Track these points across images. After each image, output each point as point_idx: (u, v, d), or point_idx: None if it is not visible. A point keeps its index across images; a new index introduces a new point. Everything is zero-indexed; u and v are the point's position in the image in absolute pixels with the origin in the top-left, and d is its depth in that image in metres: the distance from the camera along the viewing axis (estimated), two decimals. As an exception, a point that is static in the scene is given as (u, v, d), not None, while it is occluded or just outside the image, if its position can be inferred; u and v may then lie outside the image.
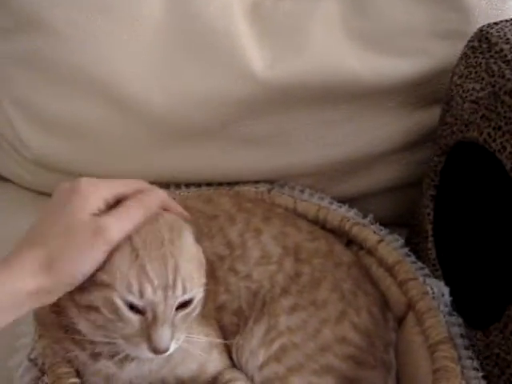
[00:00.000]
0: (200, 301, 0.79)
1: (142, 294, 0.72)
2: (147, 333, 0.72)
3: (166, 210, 0.80)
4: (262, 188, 1.15)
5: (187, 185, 1.17)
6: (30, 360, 0.84)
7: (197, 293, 0.78)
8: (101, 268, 0.72)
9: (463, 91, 0.95)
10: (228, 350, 0.89)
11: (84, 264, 0.70)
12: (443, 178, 1.01)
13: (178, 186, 1.17)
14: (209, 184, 1.17)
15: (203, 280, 0.80)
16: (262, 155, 1.16)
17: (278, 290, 0.91)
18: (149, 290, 0.72)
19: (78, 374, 0.81)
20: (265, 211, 1.02)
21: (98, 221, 0.71)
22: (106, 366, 0.79)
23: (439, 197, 1.03)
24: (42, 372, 0.83)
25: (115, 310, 0.73)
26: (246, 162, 1.16)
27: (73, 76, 1.10)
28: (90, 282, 0.73)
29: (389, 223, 1.09)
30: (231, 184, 1.17)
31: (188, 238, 0.79)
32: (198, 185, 1.16)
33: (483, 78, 0.90)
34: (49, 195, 1.24)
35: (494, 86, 0.87)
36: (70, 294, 0.74)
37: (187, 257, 0.76)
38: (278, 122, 1.13)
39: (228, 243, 0.94)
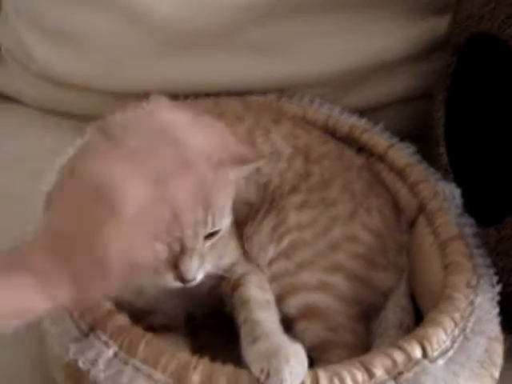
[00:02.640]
0: (229, 225, 0.76)
1: (169, 230, 0.68)
2: (173, 263, 0.71)
3: None
4: (271, 97, 1.13)
5: (196, 95, 1.15)
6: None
7: (226, 221, 0.75)
8: None
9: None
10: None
11: (109, 290, 0.67)
12: (455, 80, 0.99)
13: (186, 96, 1.14)
14: (217, 95, 1.14)
15: (230, 210, 0.76)
16: (270, 64, 1.13)
17: (287, 187, 0.90)
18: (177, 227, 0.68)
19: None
20: (274, 114, 1.00)
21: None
22: None
23: (451, 100, 1.01)
24: None
25: None
26: (253, 71, 1.13)
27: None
28: None
29: (400, 136, 1.06)
30: (239, 94, 1.14)
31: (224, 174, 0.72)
32: (207, 95, 1.14)
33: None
34: (56, 113, 1.27)
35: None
36: None
37: (219, 192, 0.71)
38: (285, 30, 1.10)
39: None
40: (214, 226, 0.72)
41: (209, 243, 0.73)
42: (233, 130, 0.75)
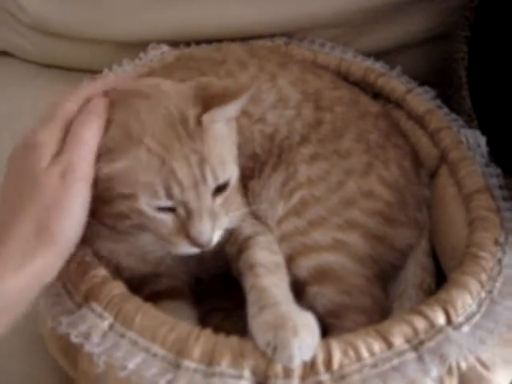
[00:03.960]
0: (237, 177, 0.72)
1: (169, 195, 0.65)
2: (185, 229, 0.66)
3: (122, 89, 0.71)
4: (279, 41, 1.05)
5: (198, 42, 1.07)
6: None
7: (232, 172, 0.70)
8: (118, 181, 0.65)
9: None
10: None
11: (72, 214, 0.63)
12: (478, 16, 0.92)
13: (187, 44, 1.07)
14: (220, 41, 1.06)
15: (235, 157, 0.72)
16: (278, 5, 1.05)
17: (296, 137, 0.83)
18: (176, 191, 0.65)
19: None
20: (281, 58, 0.93)
21: (59, 163, 0.63)
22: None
23: (474, 39, 0.93)
24: None
25: (144, 215, 0.66)
26: (259, 13, 1.06)
27: None
28: (112, 196, 0.66)
29: (418, 81, 0.99)
30: (244, 40, 1.06)
31: (209, 119, 0.67)
32: (209, 41, 1.06)
33: None
34: (51, 66, 1.22)
35: None
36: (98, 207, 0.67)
37: (213, 141, 0.67)
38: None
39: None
40: (216, 179, 0.67)
41: (219, 200, 0.68)
42: None
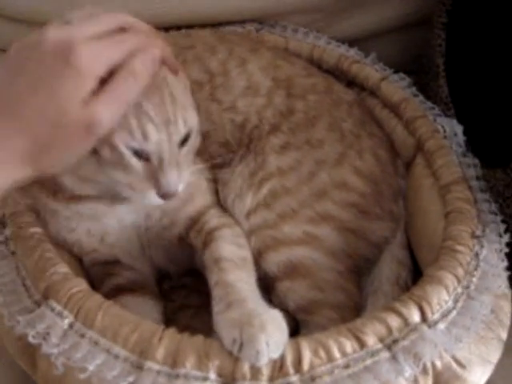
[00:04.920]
0: (197, 131, 0.71)
1: (145, 136, 0.64)
2: (154, 178, 0.66)
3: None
4: (250, 27, 1.02)
5: (166, 29, 1.03)
6: (-11, 212, 0.76)
7: (194, 123, 0.69)
8: None
9: None
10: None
11: (72, 157, 0.62)
12: (455, 2, 0.89)
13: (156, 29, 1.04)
14: (190, 27, 1.02)
15: (193, 103, 0.71)
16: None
17: (266, 126, 0.81)
18: (152, 130, 0.64)
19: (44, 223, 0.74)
20: (252, 44, 0.90)
21: (91, 113, 0.59)
22: (89, 207, 0.72)
23: (451, 25, 0.91)
24: (3, 224, 0.75)
25: (118, 156, 0.64)
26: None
27: None
28: None
29: (395, 69, 0.97)
30: (215, 26, 1.02)
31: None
32: (178, 28, 1.02)
33: None
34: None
35: None
36: None
37: (180, 88, 0.68)
38: None
39: (207, 70, 0.82)
40: (184, 120, 0.67)
41: (184, 150, 0.68)
42: None
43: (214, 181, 0.80)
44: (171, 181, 0.66)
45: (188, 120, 0.67)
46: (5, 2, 1.07)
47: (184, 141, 0.68)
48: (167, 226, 0.76)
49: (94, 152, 0.64)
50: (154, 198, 0.67)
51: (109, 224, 0.75)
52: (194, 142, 0.70)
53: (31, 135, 0.59)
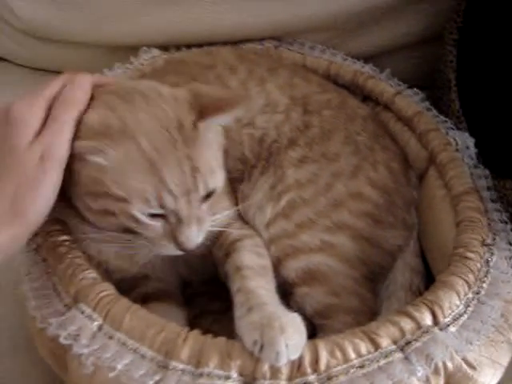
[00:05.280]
0: (223, 181, 0.72)
1: (162, 205, 0.66)
2: (173, 235, 0.68)
3: (99, 86, 0.71)
4: (269, 45, 1.06)
5: (188, 46, 1.07)
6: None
7: (219, 179, 0.71)
8: (111, 179, 0.65)
9: None
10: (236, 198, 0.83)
11: (46, 195, 0.66)
12: (466, 19, 0.92)
13: (178, 47, 1.08)
14: (210, 44, 1.06)
15: (222, 162, 0.72)
16: (267, 8, 1.05)
17: (284, 141, 0.84)
18: (169, 200, 0.66)
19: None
20: (271, 62, 0.93)
21: (40, 144, 0.65)
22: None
23: (462, 42, 0.93)
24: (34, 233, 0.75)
25: (134, 220, 0.66)
26: (248, 16, 1.06)
27: None
28: (103, 192, 0.66)
29: (408, 84, 0.99)
30: (235, 43, 1.07)
31: (205, 127, 0.69)
32: (199, 45, 1.06)
33: None
34: (43, 70, 1.22)
35: None
36: (80, 198, 0.69)
37: (205, 148, 0.68)
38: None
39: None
40: (206, 187, 0.68)
41: (205, 206, 0.69)
42: None
43: (234, 194, 0.83)
44: (190, 237, 0.68)
45: (211, 184, 0.68)
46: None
47: (207, 195, 0.69)
48: None
49: (112, 214, 0.67)
50: (173, 251, 0.70)
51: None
52: (218, 192, 0.71)
53: (4, 191, 0.64)
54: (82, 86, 0.69)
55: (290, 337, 0.61)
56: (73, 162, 0.66)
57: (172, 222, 0.67)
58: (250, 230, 0.80)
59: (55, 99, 0.68)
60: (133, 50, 1.05)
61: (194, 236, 0.68)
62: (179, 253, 0.70)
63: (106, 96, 0.69)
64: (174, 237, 0.68)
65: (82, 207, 0.70)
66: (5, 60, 1.28)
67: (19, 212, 0.64)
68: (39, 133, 0.66)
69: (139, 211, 0.66)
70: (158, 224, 0.67)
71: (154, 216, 0.67)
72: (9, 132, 0.66)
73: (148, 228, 0.67)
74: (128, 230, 0.68)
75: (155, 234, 0.68)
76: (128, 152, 0.64)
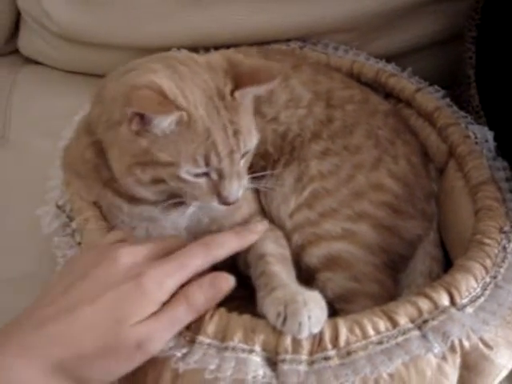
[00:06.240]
0: (257, 143, 0.76)
1: (208, 164, 0.70)
2: (216, 190, 0.72)
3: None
4: (294, 45, 1.09)
5: (216, 47, 1.11)
6: (58, 207, 0.83)
7: (256, 139, 0.75)
8: (160, 148, 0.68)
9: None
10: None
11: (119, 374, 0.63)
12: (484, 16, 0.94)
13: (207, 49, 1.11)
14: (238, 45, 1.10)
15: (255, 123, 0.76)
16: (292, 10, 1.08)
17: (308, 134, 0.86)
18: (215, 160, 0.70)
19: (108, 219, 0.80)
20: (295, 60, 0.96)
21: (145, 332, 0.61)
22: (147, 210, 0.77)
23: (481, 38, 0.96)
24: (70, 218, 0.81)
25: (182, 180, 0.70)
26: (274, 17, 1.09)
27: None
28: (148, 161, 0.69)
29: (429, 82, 1.02)
30: (261, 44, 1.10)
31: (241, 95, 0.72)
32: (227, 47, 1.10)
33: None
34: (78, 73, 1.26)
35: None
36: (129, 169, 0.71)
37: (243, 113, 0.72)
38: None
39: None
40: (245, 147, 0.72)
41: (243, 161, 0.73)
42: None
43: (256, 189, 0.85)
44: (232, 192, 0.72)
45: (249, 144, 0.73)
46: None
47: (244, 153, 0.73)
48: (215, 231, 0.80)
49: (161, 180, 0.71)
50: (216, 206, 0.73)
51: (165, 226, 0.79)
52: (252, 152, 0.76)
53: (75, 345, 0.60)
54: (215, 286, 0.67)
55: (313, 310, 0.64)
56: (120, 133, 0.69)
57: (214, 179, 0.71)
58: (271, 225, 0.83)
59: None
60: (164, 51, 1.08)
61: (236, 190, 0.72)
62: (222, 208, 0.74)
63: (153, 65, 0.72)
64: (217, 192, 0.72)
65: (130, 182, 0.72)
66: (40, 63, 1.31)
67: (75, 372, 0.60)
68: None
69: (186, 172, 0.69)
70: (202, 181, 0.71)
71: (197, 175, 0.70)
72: (134, 296, 0.62)
73: (195, 186, 0.71)
74: (173, 196, 0.72)
75: (200, 191, 0.71)
76: (181, 120, 0.67)
